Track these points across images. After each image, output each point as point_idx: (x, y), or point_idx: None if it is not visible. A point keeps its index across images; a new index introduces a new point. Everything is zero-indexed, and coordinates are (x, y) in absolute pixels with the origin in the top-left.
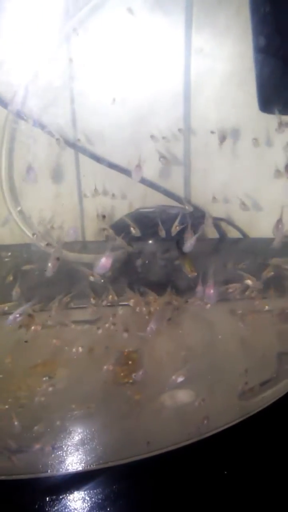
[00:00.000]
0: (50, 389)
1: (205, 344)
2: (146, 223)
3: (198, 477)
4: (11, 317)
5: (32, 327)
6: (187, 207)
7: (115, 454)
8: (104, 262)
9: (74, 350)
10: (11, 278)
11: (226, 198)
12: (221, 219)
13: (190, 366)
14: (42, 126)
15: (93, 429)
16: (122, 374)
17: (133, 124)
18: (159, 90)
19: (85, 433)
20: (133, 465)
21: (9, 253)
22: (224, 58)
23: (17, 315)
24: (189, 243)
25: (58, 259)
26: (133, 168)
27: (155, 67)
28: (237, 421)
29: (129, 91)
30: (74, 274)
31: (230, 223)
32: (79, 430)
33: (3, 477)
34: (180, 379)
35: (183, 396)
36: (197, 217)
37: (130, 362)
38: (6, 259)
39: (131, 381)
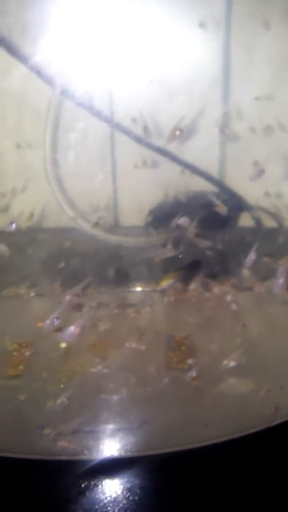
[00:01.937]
0: (105, 370)
1: (265, 334)
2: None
3: (248, 472)
4: (48, 321)
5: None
6: (218, 208)
7: (171, 440)
8: (73, 330)
9: (124, 333)
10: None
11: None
12: (258, 208)
13: (245, 352)
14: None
15: (148, 413)
16: (175, 359)
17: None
18: (196, 73)
19: (139, 417)
20: (187, 453)
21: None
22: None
23: (55, 319)
24: (250, 259)
25: None
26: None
27: (194, 48)
28: None
29: (166, 73)
30: (121, 257)
31: (267, 211)
32: (133, 414)
33: (46, 457)
34: (232, 364)
35: (241, 385)
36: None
37: (183, 348)
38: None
39: (185, 366)
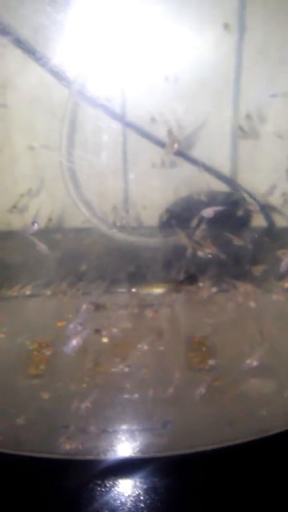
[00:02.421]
0: (126, 370)
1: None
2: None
3: (270, 473)
4: (71, 326)
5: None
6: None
7: (193, 440)
8: (75, 344)
9: (144, 333)
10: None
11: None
12: (270, 207)
13: (267, 352)
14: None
15: (171, 414)
16: (196, 360)
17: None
18: (209, 72)
19: (162, 417)
20: (209, 453)
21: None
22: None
23: (78, 325)
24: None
25: None
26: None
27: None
28: None
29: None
30: (138, 257)
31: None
32: (156, 414)
33: (67, 457)
34: (254, 364)
35: (263, 385)
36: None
37: (203, 348)
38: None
39: (207, 367)
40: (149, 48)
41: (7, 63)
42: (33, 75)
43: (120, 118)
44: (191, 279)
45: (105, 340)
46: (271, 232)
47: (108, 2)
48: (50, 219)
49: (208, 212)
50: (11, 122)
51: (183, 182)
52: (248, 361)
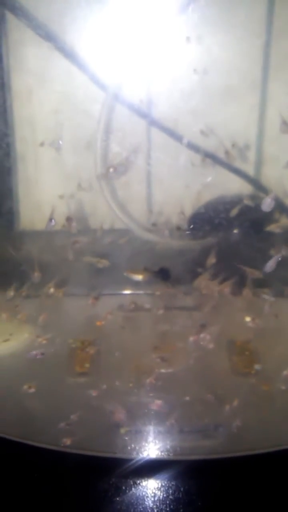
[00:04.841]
0: (171, 371)
1: None
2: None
3: None
4: None
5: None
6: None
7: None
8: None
9: (182, 335)
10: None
11: None
12: None
13: None
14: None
15: (221, 418)
16: (241, 364)
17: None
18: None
19: (212, 421)
20: (254, 459)
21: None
22: None
23: None
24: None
25: None
26: None
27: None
28: None
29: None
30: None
31: None
32: (201, 418)
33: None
34: None
35: None
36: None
37: (247, 353)
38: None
39: (253, 372)
40: (176, 51)
41: (49, 66)
42: (77, 80)
43: (153, 121)
44: (164, 273)
45: (147, 340)
46: None
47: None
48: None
49: (269, 204)
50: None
51: (208, 185)
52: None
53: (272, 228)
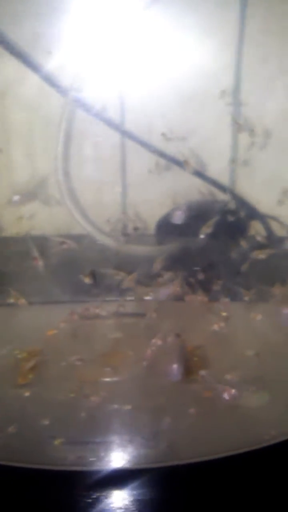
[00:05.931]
0: (115, 379)
1: (273, 346)
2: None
3: (252, 486)
4: None
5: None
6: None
7: (179, 453)
8: None
9: (134, 342)
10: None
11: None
12: (269, 217)
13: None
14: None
15: (157, 426)
16: (187, 370)
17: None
18: (208, 81)
19: (148, 429)
20: (196, 466)
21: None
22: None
23: None
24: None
25: None
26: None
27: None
28: None
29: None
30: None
31: (278, 220)
32: (143, 425)
33: (56, 468)
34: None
35: (255, 398)
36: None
37: (195, 359)
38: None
39: (198, 378)
40: (148, 55)
41: (5, 71)
42: (30, 83)
43: (117, 126)
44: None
45: (95, 349)
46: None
47: (106, 9)
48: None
49: (178, 216)
50: (8, 129)
51: (180, 191)
52: (238, 374)
53: (256, 254)
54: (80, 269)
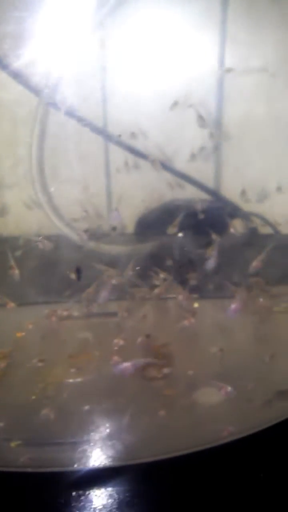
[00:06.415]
0: (78, 380)
1: (235, 342)
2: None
3: (224, 479)
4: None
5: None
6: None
7: (141, 451)
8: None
9: (99, 342)
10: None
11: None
12: (252, 214)
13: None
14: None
15: (120, 425)
16: (150, 368)
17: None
18: (191, 82)
19: (112, 428)
20: (159, 463)
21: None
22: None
23: None
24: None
25: None
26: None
27: (188, 56)
28: (269, 425)
29: (162, 81)
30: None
31: (262, 218)
32: (107, 425)
33: (28, 469)
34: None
35: (215, 394)
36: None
37: (160, 357)
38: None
39: (160, 376)
40: (130, 59)
41: None
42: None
43: (97, 129)
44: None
45: (64, 350)
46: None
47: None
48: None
49: (115, 217)
50: None
51: (162, 190)
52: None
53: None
54: (52, 270)
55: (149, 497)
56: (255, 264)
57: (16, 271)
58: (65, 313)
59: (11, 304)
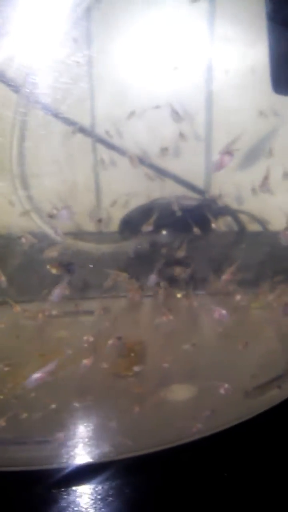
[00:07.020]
0: (49, 379)
1: (210, 338)
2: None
3: (200, 474)
4: None
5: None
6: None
7: (114, 449)
8: None
9: (74, 341)
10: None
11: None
12: (242, 212)
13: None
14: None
15: (90, 423)
16: (123, 366)
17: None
18: (179, 81)
19: (82, 427)
20: (131, 461)
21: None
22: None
23: None
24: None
25: None
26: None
27: (176, 53)
28: (242, 420)
29: (149, 79)
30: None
31: (251, 215)
32: (76, 423)
33: (4, 469)
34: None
35: (185, 391)
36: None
37: (132, 354)
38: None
39: (131, 374)
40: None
41: None
42: None
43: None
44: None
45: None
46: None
47: None
48: None
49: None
50: None
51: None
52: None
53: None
54: (31, 268)
55: (128, 493)
56: (225, 277)
57: (3, 278)
58: (46, 312)
59: (17, 308)
